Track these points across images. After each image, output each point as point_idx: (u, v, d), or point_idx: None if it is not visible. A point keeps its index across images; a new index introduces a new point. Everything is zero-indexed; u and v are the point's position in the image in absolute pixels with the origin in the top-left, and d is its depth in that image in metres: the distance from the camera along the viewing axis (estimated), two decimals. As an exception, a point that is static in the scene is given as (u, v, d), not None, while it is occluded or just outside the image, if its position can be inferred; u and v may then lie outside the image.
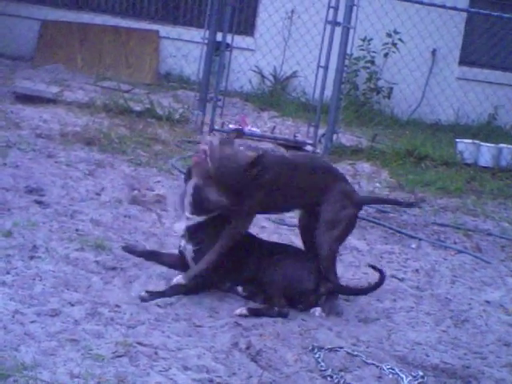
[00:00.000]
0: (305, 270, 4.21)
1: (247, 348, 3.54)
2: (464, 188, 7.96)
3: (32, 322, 3.44)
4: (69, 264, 4.16)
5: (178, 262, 4.33)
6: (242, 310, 3.92)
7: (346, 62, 9.62)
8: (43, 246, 4.31)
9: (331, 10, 8.63)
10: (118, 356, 3.25)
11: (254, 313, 3.93)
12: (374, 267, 4.43)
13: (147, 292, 3.96)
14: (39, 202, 5.06)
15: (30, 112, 7.79)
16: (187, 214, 4.18)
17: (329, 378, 3.44)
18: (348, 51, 8.84)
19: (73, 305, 3.69)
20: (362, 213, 6.41)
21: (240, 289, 4.20)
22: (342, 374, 3.50)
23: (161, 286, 4.10)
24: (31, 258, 4.14)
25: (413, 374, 3.61)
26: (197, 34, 10.77)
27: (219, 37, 8.90)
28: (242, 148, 4.00)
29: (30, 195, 5.18)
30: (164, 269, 4.34)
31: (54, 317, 3.53)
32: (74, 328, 3.45)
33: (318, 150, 8.56)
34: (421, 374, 3.61)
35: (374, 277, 4.82)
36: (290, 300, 4.13)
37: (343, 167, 8.06)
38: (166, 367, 3.25)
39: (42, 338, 3.30)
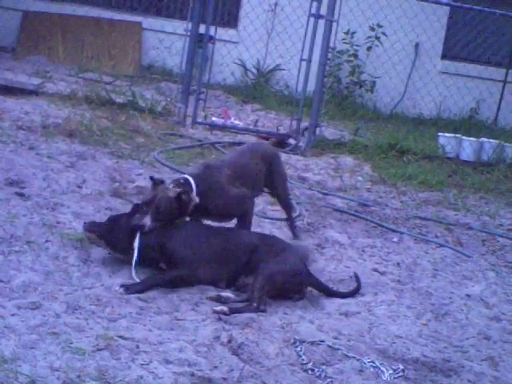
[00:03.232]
0: (297, 261, 4.30)
1: (229, 341, 3.54)
2: (445, 182, 7.99)
3: (12, 315, 3.42)
4: (49, 257, 4.14)
5: None
6: (223, 308, 3.89)
7: (329, 55, 9.63)
8: (23, 238, 4.29)
9: (314, 3, 8.63)
10: (98, 349, 3.24)
11: (234, 311, 3.92)
12: (356, 276, 4.58)
13: (122, 286, 3.95)
14: (20, 195, 5.03)
15: (11, 104, 7.73)
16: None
17: (310, 372, 3.45)
18: (331, 44, 8.83)
19: (53, 298, 3.67)
20: (343, 206, 6.48)
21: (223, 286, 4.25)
22: (323, 367, 3.51)
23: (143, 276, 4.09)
24: (11, 250, 4.11)
25: (393, 367, 3.63)
26: (180, 26, 10.72)
27: (202, 29, 8.87)
28: (167, 188, 4.35)
29: (10, 187, 5.14)
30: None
31: (35, 310, 3.51)
32: (54, 321, 3.43)
33: (301, 144, 8.56)
34: (401, 367, 3.63)
35: (356, 270, 4.86)
36: (288, 292, 4.22)
37: (326, 160, 8.08)
38: (147, 361, 3.24)
39: (22, 331, 3.29)
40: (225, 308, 3.89)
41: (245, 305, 3.99)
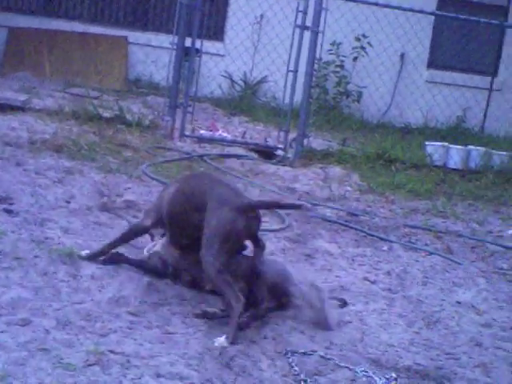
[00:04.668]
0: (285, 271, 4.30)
1: (220, 354, 3.52)
2: (434, 190, 8.02)
3: (1, 331, 3.39)
4: (38, 273, 4.11)
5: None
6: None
7: (316, 66, 9.67)
8: (12, 254, 4.26)
9: (300, 15, 8.67)
10: (89, 365, 3.21)
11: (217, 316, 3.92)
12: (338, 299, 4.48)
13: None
14: (8, 211, 5.00)
15: (-2, 120, 7.71)
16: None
17: (302, 383, 3.43)
18: (317, 55, 8.88)
19: (43, 314, 3.64)
20: (332, 216, 6.48)
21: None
22: (316, 377, 3.50)
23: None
24: (0, 266, 4.08)
25: (386, 376, 3.61)
26: (166, 40, 10.74)
27: (188, 42, 8.89)
28: None
29: (-2, 204, 5.12)
30: (133, 273, 4.31)
31: (24, 326, 3.48)
32: (44, 337, 3.40)
33: (289, 155, 8.57)
34: (394, 375, 3.61)
35: (347, 279, 4.86)
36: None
37: (314, 171, 8.09)
38: (138, 375, 3.22)
39: (11, 347, 3.26)
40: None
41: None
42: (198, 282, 4.30)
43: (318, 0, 8.62)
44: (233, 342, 3.64)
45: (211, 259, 3.82)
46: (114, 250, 4.39)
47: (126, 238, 4.45)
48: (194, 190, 4.12)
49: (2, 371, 3.03)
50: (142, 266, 4.41)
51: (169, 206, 4.21)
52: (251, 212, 3.94)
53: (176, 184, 4.35)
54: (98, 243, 4.65)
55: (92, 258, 4.35)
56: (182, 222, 4.13)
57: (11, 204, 5.16)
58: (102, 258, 4.33)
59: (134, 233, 4.45)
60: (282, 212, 6.23)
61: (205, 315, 3.94)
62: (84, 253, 4.35)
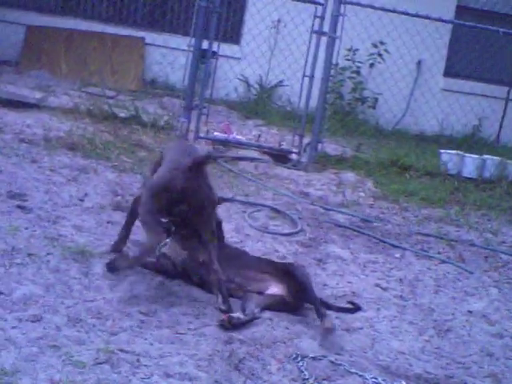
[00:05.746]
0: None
1: (230, 356, 3.51)
2: (447, 198, 7.99)
3: (13, 327, 3.40)
4: (50, 270, 4.12)
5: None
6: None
7: (332, 71, 9.65)
8: (25, 251, 4.27)
9: (317, 20, 8.66)
10: (99, 363, 3.22)
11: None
12: (352, 303, 4.50)
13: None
14: (22, 207, 5.02)
15: (14, 117, 7.74)
16: None
17: (312, 387, 3.43)
18: (333, 61, 8.86)
19: (54, 311, 3.65)
20: (345, 222, 6.46)
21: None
22: (325, 382, 3.49)
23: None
24: (12, 263, 4.10)
25: (396, 383, 3.60)
26: (183, 42, 10.75)
27: (205, 44, 8.89)
28: None
29: (12, 200, 5.13)
30: (145, 273, 4.32)
31: (35, 323, 3.49)
32: (55, 334, 3.41)
33: (303, 159, 8.56)
34: (404, 383, 3.60)
35: (359, 285, 4.85)
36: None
37: (328, 176, 8.08)
38: (148, 374, 3.22)
39: (22, 343, 3.27)
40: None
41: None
42: (207, 282, 4.30)
43: (335, 6, 8.62)
44: (110, 270, 4.08)
45: (143, 200, 4.05)
46: (121, 254, 4.37)
47: (132, 214, 4.50)
48: (162, 155, 4.41)
49: (13, 367, 3.04)
50: (150, 266, 4.42)
51: (152, 174, 4.35)
52: (195, 170, 3.96)
53: (160, 154, 4.58)
54: (110, 242, 4.66)
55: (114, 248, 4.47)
56: None
57: (25, 201, 5.18)
58: (110, 262, 4.30)
59: (135, 206, 4.43)
60: (295, 216, 6.23)
61: (230, 320, 3.86)
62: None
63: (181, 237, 4.27)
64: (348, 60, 12.00)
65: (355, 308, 4.45)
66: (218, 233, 4.31)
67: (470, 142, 11.78)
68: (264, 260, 4.58)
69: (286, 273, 4.26)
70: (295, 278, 4.21)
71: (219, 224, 4.49)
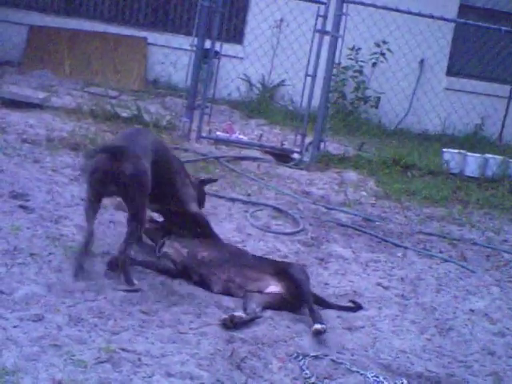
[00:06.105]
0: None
1: (231, 355, 3.52)
2: (450, 197, 7.98)
3: (14, 326, 3.41)
4: (52, 269, 4.13)
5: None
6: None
7: (334, 70, 9.65)
8: (27, 250, 4.28)
9: (320, 19, 8.66)
10: (100, 362, 3.23)
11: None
12: (354, 302, 4.55)
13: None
14: (24, 207, 5.03)
15: (17, 117, 7.76)
16: None
17: (313, 386, 3.43)
18: (336, 60, 8.86)
19: (56, 310, 3.66)
20: (347, 221, 6.47)
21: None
22: (327, 381, 3.49)
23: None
24: (14, 262, 4.11)
25: (397, 381, 3.60)
26: (185, 41, 10.76)
27: (208, 44, 8.90)
28: None
29: (14, 200, 5.15)
30: (146, 272, 4.32)
31: (37, 322, 3.50)
32: (56, 333, 3.42)
33: (305, 159, 8.56)
34: (405, 382, 3.61)
35: (360, 284, 4.85)
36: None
37: (330, 175, 8.08)
38: (149, 374, 3.23)
39: (24, 343, 3.28)
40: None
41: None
42: (207, 282, 4.31)
43: (338, 5, 8.62)
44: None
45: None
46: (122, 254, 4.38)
47: None
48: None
49: (14, 366, 3.05)
50: (152, 266, 4.43)
51: None
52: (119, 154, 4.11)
53: None
54: (112, 241, 4.67)
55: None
56: None
57: (27, 200, 5.19)
58: (109, 262, 4.32)
59: None
60: (297, 215, 6.23)
61: (232, 319, 3.86)
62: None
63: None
64: (350, 59, 11.99)
65: (357, 307, 4.47)
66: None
67: (473, 140, 11.79)
68: (264, 259, 4.60)
69: (285, 272, 4.28)
70: (291, 278, 4.23)
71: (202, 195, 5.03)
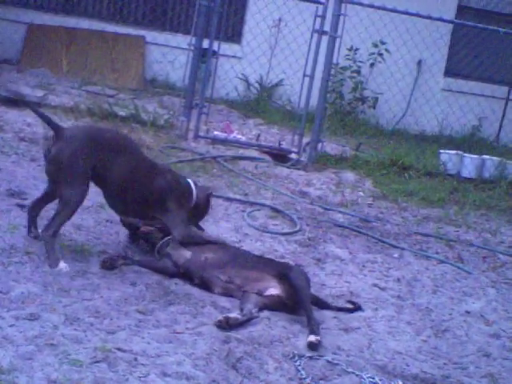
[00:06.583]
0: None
1: (227, 355, 3.52)
2: (447, 198, 7.99)
3: (10, 325, 3.40)
4: (48, 268, 4.13)
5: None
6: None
7: (332, 71, 9.66)
8: (23, 249, 4.28)
9: (318, 19, 8.66)
10: (96, 361, 3.23)
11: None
12: (352, 303, 4.56)
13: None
14: (21, 206, 5.03)
15: (14, 115, 7.75)
16: None
17: (308, 387, 3.43)
18: (334, 60, 8.86)
19: (52, 309, 3.66)
20: (344, 221, 6.47)
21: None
22: (322, 382, 3.50)
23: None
24: (11, 261, 4.10)
25: (392, 383, 3.60)
26: (183, 40, 10.76)
27: (206, 44, 8.90)
28: None
29: (11, 198, 5.15)
30: (143, 272, 4.32)
31: (33, 321, 3.50)
32: (52, 333, 3.42)
33: (303, 159, 8.57)
34: (401, 383, 3.61)
35: (357, 285, 4.85)
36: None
37: (327, 175, 8.08)
38: (145, 373, 3.22)
39: (19, 342, 3.27)
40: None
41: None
42: (208, 284, 4.31)
43: (336, 5, 8.62)
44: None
45: None
46: (122, 253, 4.37)
47: None
48: None
49: (10, 365, 3.05)
50: (149, 265, 4.42)
51: None
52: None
53: None
54: (108, 240, 4.67)
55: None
56: None
57: (24, 199, 5.19)
58: (106, 260, 4.33)
59: None
60: (294, 216, 6.23)
61: (227, 321, 3.86)
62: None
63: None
64: (348, 59, 12.00)
65: (355, 308, 4.47)
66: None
67: (470, 142, 11.80)
68: (264, 259, 4.59)
69: (285, 276, 4.25)
70: (291, 283, 4.20)
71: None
